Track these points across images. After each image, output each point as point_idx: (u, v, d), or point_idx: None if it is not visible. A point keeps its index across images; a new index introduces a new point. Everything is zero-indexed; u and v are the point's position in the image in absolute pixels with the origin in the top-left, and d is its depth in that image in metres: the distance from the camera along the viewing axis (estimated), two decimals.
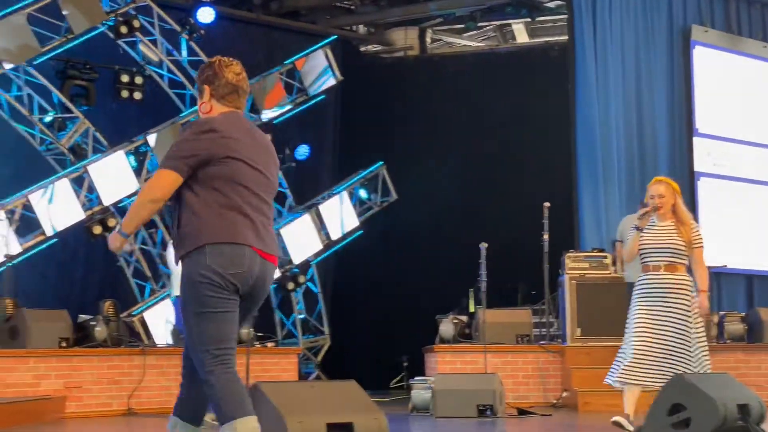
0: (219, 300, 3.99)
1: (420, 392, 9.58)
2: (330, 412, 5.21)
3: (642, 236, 6.90)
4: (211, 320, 3.99)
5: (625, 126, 13.66)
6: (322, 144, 15.41)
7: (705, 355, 6.69)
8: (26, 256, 11.85)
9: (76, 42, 12.34)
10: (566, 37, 14.55)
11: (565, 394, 10.33)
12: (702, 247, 6.94)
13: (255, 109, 13.57)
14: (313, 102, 14.14)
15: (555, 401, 10.38)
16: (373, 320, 14.92)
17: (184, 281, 4.04)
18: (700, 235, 6.97)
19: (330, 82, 14.19)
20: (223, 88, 4.29)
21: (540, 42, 16.55)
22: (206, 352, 4.01)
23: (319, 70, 14.08)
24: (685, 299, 6.79)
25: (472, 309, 12.45)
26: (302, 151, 14.51)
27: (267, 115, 13.63)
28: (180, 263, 4.09)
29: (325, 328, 14.36)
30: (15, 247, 11.37)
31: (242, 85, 4.33)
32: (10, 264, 11.11)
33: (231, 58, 4.44)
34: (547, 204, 10.70)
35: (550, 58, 15.47)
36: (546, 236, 10.70)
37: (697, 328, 6.76)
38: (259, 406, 5.08)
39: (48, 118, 12.57)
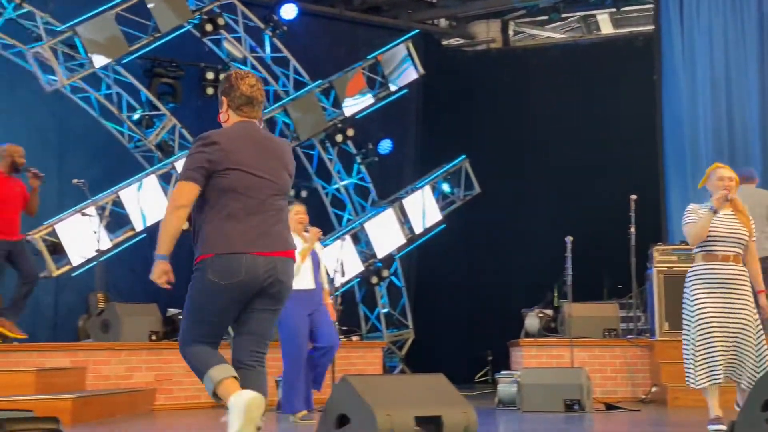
0: (215, 307, 4.51)
1: (506, 386, 9.54)
2: (418, 405, 5.19)
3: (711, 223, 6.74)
4: (204, 321, 4.54)
5: (714, 117, 13.38)
6: (405, 138, 15.42)
7: (766, 350, 6.55)
8: (116, 251, 12.09)
9: (163, 41, 12.53)
10: (652, 27, 14.32)
11: (654, 389, 10.17)
12: (754, 239, 6.83)
13: (337, 104, 13.61)
14: (395, 96, 14.14)
15: (643, 396, 10.23)
16: (456, 314, 14.89)
17: (191, 285, 4.58)
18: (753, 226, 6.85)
19: (412, 76, 14.18)
20: (238, 99, 4.64)
21: (625, 32, 16.31)
22: (189, 335, 4.59)
23: (401, 64, 14.07)
24: (749, 291, 6.66)
25: (557, 303, 12.34)
26: (385, 145, 14.54)
27: (349, 110, 13.66)
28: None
29: (409, 322, 14.38)
30: (105, 242, 11.60)
31: (256, 96, 4.68)
32: (102, 259, 11.33)
33: (247, 71, 4.86)
34: (633, 197, 10.55)
35: (636, 49, 15.24)
36: (633, 229, 10.55)
37: (757, 322, 6.63)
38: (346, 399, 5.11)
39: (136, 116, 12.81)
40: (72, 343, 10.08)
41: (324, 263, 8.63)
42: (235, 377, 4.42)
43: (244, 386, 4.44)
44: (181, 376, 9.94)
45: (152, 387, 9.73)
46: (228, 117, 4.68)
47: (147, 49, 12.50)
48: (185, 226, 4.56)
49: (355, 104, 13.77)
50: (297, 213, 8.39)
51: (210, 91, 13.28)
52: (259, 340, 4.63)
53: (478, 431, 5.14)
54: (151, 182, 12.19)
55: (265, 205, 4.53)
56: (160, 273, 4.52)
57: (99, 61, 11.85)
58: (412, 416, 5.09)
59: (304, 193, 14.02)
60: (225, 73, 4.79)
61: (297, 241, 7.73)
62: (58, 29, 11.81)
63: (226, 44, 13.36)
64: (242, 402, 4.32)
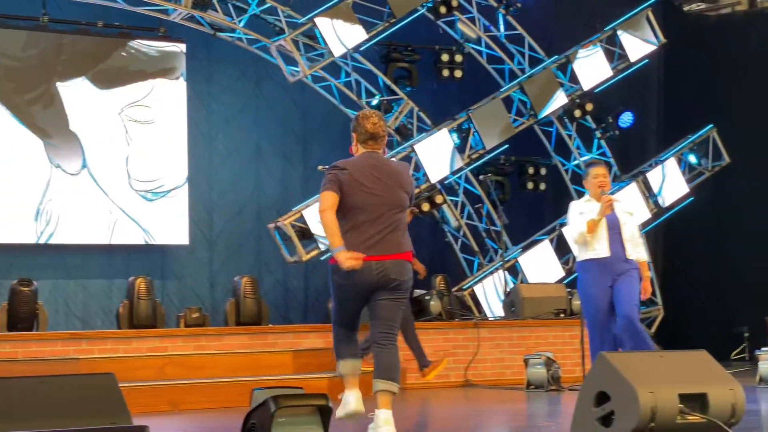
0: (341, 298, 5.68)
1: None
2: (682, 382, 5.01)
3: None
4: (339, 307, 5.73)
5: None
6: (647, 110, 14.92)
7: None
8: None
9: (398, 26, 12.67)
10: None
11: None
12: None
13: (575, 79, 13.34)
14: (635, 68, 13.71)
15: None
16: (707, 290, 14.31)
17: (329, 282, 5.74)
18: None
19: (652, 46, 13.71)
20: (363, 135, 5.73)
21: None
22: (334, 318, 5.80)
23: (641, 34, 13.62)
24: None
25: None
26: (626, 118, 14.12)
27: (588, 84, 13.36)
28: None
29: (659, 299, 13.95)
30: None
31: (378, 132, 5.73)
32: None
33: (372, 111, 5.90)
34: None
35: None
36: None
37: None
38: (606, 377, 4.98)
39: (374, 101, 13.03)
40: (324, 325, 10.40)
41: (633, 230, 7.87)
42: (354, 374, 5.73)
43: (377, 362, 5.59)
44: (430, 356, 10.03)
45: (402, 367, 9.87)
46: (357, 149, 5.76)
47: (383, 35, 12.68)
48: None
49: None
50: (595, 177, 7.78)
51: (446, 73, 13.35)
52: (385, 323, 5.61)
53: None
54: None
55: (382, 218, 5.56)
56: (345, 259, 5.43)
57: (338, 50, 12.13)
58: (676, 393, 4.91)
59: (543, 171, 13.88)
60: (354, 115, 5.88)
61: (595, 206, 7.59)
62: (299, 22, 12.17)
63: (460, 25, 13.36)
64: (346, 404, 5.65)
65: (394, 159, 5.77)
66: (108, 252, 12.43)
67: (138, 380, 8.39)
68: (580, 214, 7.65)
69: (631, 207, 8.13)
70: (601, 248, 7.61)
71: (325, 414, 4.58)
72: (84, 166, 12.11)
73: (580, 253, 7.81)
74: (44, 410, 4.12)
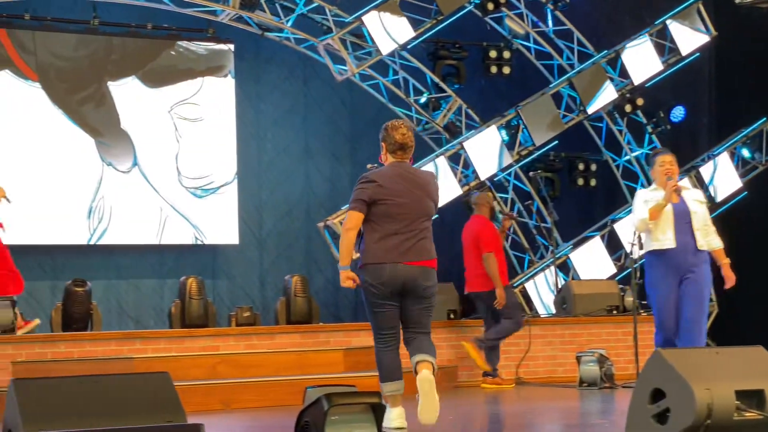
0: (374, 303, 5.88)
1: None
2: (738, 378, 4.93)
3: None
4: (374, 315, 5.92)
5: None
6: (698, 104, 14.74)
7: None
8: None
9: (446, 23, 12.64)
10: None
11: None
12: None
13: (625, 73, 13.21)
14: (686, 62, 13.55)
15: None
16: (762, 285, 14.09)
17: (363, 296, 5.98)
18: None
19: (703, 39, 13.53)
20: (391, 145, 5.97)
21: None
22: (375, 335, 5.97)
23: (692, 27, 13.46)
24: None
25: None
26: (677, 113, 13.96)
27: (638, 79, 13.22)
28: None
29: (712, 295, 13.76)
30: None
31: (407, 142, 5.98)
32: None
33: (401, 122, 6.06)
34: None
35: None
36: None
37: None
38: (661, 373, 4.92)
39: (423, 99, 13.02)
40: None
41: (705, 218, 7.53)
42: (399, 393, 5.89)
43: (411, 347, 5.92)
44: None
45: (453, 365, 9.87)
46: (386, 158, 6.02)
47: (430, 33, 12.66)
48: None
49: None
50: (662, 164, 7.57)
51: (494, 69, 13.30)
52: (419, 325, 6.00)
53: None
54: (440, 163, 12.36)
55: (410, 226, 5.87)
56: (345, 279, 5.88)
57: (386, 48, 12.12)
58: (732, 390, 4.84)
59: (594, 167, 13.76)
60: (384, 125, 6.03)
61: (661, 195, 7.40)
62: (347, 20, 12.19)
63: (508, 21, 13.29)
64: (390, 420, 5.60)
65: (421, 168, 6.01)
66: (159, 252, 12.55)
67: (190, 379, 8.45)
68: (645, 202, 7.42)
69: (702, 195, 7.79)
70: (666, 238, 7.30)
71: (378, 412, 4.58)
72: (135, 164, 12.28)
73: (645, 244, 7.53)
74: (101, 409, 4.16)
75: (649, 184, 13.48)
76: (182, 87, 12.61)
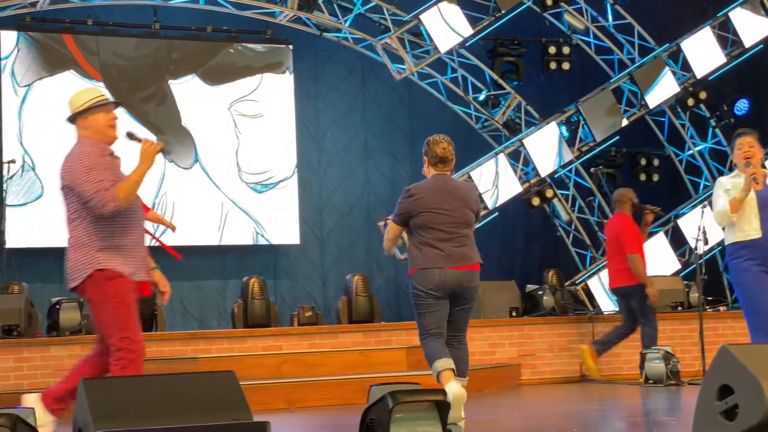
0: (423, 305, 6.23)
1: None
2: None
3: None
4: (422, 316, 6.26)
5: None
6: (762, 96, 14.46)
7: None
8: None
9: (504, 20, 12.58)
10: None
11: None
12: None
13: (687, 67, 13.03)
14: (750, 54, 13.33)
15: None
16: None
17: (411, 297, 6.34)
18: None
19: (767, 30, 13.30)
20: (433, 158, 6.35)
21: None
22: (421, 335, 6.28)
23: (755, 18, 13.24)
24: None
25: None
26: (741, 105, 13.75)
27: (701, 72, 13.03)
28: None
29: None
30: None
31: (447, 156, 6.34)
32: None
33: (442, 137, 6.39)
34: None
35: None
36: None
37: None
38: (729, 369, 4.84)
39: (482, 97, 12.98)
40: None
41: None
42: (452, 369, 6.05)
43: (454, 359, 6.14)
44: (543, 351, 9.99)
45: (516, 362, 9.83)
46: (429, 171, 6.38)
47: (489, 30, 12.61)
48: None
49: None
50: (740, 147, 6.88)
51: (553, 65, 13.23)
52: (457, 328, 6.34)
53: None
54: (500, 161, 12.31)
55: (451, 235, 6.20)
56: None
57: (444, 46, 12.10)
58: None
59: (656, 162, 13.61)
60: (426, 140, 6.40)
61: (740, 180, 6.69)
62: (404, 19, 12.19)
63: (567, 16, 13.20)
64: (451, 392, 5.80)
65: (461, 179, 6.42)
66: (221, 253, 12.66)
67: (254, 379, 8.51)
68: (726, 191, 6.69)
69: None
70: (750, 228, 6.68)
71: (442, 409, 4.57)
72: (196, 160, 12.48)
73: (727, 236, 6.86)
74: (168, 407, 4.20)
75: (713, 178, 13.34)
76: (241, 84, 12.78)
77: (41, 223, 11.60)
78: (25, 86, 11.81)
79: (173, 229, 8.67)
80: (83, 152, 5.51)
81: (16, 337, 8.87)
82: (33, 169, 11.76)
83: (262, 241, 12.67)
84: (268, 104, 12.83)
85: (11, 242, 11.25)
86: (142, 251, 5.55)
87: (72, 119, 5.75)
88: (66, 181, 5.47)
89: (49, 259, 11.89)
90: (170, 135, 12.34)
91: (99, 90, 5.84)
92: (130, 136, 5.68)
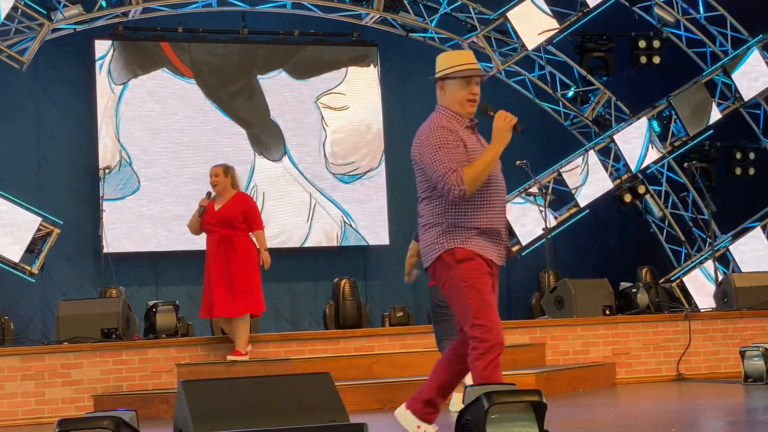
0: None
1: None
2: None
3: None
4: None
5: None
6: None
7: None
8: (561, 228, 12.20)
9: (592, 15, 12.43)
10: None
11: None
12: None
13: None
14: None
15: None
16: None
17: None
18: None
19: None
20: None
21: None
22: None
23: None
24: None
25: None
26: None
27: None
28: None
29: None
30: (551, 220, 11.75)
31: None
32: (548, 237, 11.48)
33: None
34: None
35: None
36: None
37: None
38: None
39: (570, 93, 12.85)
40: (529, 320, 10.31)
41: None
42: None
43: None
44: (639, 350, 9.83)
45: (611, 361, 9.69)
46: None
47: (576, 26, 12.47)
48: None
49: None
50: None
51: (643, 59, 13.03)
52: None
53: None
54: (590, 157, 12.17)
55: None
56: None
57: (531, 43, 12.00)
58: None
59: (752, 155, 13.31)
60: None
61: None
62: (491, 17, 12.13)
63: (657, 10, 12.98)
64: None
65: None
66: (312, 254, 12.77)
67: (347, 379, 8.53)
68: None
69: None
70: None
71: (539, 410, 4.52)
72: (285, 152, 12.72)
73: None
74: (265, 409, 4.24)
75: None
76: (327, 77, 13.02)
77: (137, 223, 12.02)
78: (121, 84, 12.25)
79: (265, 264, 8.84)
80: (437, 126, 5.00)
81: (115, 340, 9.05)
82: (130, 164, 12.17)
83: (350, 236, 12.76)
84: (354, 96, 13.08)
85: (109, 247, 11.50)
86: (497, 231, 4.99)
87: (436, 80, 5.21)
88: (416, 156, 5.02)
89: (144, 263, 12.15)
90: (259, 128, 12.66)
91: (470, 55, 5.22)
92: (485, 110, 5.05)
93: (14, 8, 10.68)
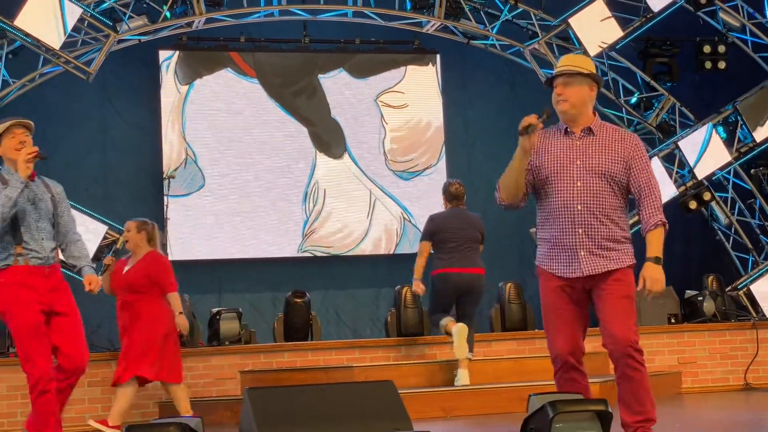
0: (439, 295, 9.02)
1: None
2: None
3: None
4: (436, 303, 9.19)
5: None
6: None
7: None
8: None
9: (656, 20, 12.30)
10: None
11: None
12: None
13: None
14: None
15: None
16: None
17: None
18: None
19: None
20: (448, 196, 9.10)
21: None
22: (434, 312, 9.23)
23: None
24: None
25: None
26: None
27: None
28: None
29: None
30: None
31: (459, 194, 9.09)
32: None
33: (455, 180, 9.33)
34: None
35: None
36: None
37: None
38: None
39: (633, 99, 12.71)
40: (593, 329, 10.16)
41: None
42: (453, 320, 8.76)
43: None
44: (705, 359, 9.71)
45: (677, 370, 9.57)
46: (446, 204, 9.13)
47: (640, 31, 12.34)
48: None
49: None
50: None
51: (708, 65, 12.83)
52: (468, 315, 9.06)
53: None
54: (654, 164, 12.02)
55: (460, 247, 8.96)
56: (417, 286, 9.20)
57: (594, 49, 11.90)
58: None
59: None
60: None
61: None
62: (552, 24, 12.06)
63: (721, 14, 12.78)
64: (455, 330, 8.59)
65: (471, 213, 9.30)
66: (372, 261, 12.79)
67: (409, 387, 8.54)
68: None
69: None
70: None
71: (604, 419, 4.48)
72: (345, 149, 12.87)
73: None
74: (329, 416, 4.26)
75: None
76: (387, 76, 13.13)
77: (201, 220, 12.25)
78: (187, 84, 12.46)
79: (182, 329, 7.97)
80: None
81: (180, 347, 9.13)
82: (195, 161, 12.36)
83: (409, 232, 12.79)
84: (413, 95, 13.16)
85: (173, 255, 11.62)
86: (563, 245, 5.03)
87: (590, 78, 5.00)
88: None
89: (206, 271, 12.26)
90: (320, 127, 12.82)
91: (568, 58, 5.09)
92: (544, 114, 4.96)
93: (81, 20, 10.86)
